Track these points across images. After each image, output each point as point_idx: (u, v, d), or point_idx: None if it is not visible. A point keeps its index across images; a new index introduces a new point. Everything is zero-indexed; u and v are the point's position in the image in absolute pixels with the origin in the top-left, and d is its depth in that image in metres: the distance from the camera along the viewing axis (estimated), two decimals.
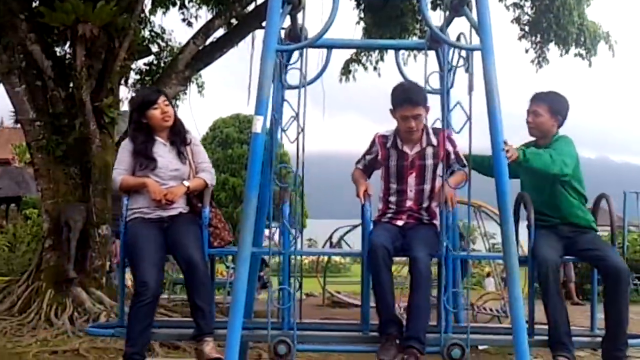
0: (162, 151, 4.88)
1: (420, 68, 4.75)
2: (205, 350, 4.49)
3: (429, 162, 4.76)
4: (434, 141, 4.76)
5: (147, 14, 13.27)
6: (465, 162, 4.72)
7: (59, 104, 10.39)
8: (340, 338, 4.92)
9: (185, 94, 13.03)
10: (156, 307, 4.77)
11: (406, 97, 4.73)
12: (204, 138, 38.05)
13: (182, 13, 13.82)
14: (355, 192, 4.88)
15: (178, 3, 13.64)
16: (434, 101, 4.86)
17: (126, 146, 4.93)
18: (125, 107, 12.31)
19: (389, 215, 4.85)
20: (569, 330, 4.59)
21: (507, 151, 4.42)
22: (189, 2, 13.78)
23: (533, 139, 5.12)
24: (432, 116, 4.80)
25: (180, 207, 4.80)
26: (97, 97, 10.20)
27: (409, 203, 4.81)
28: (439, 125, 4.79)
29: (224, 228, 4.97)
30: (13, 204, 33.27)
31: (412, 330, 4.40)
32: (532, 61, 12.60)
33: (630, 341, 4.82)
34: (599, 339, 4.81)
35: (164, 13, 13.85)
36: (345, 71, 14.17)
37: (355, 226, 12.24)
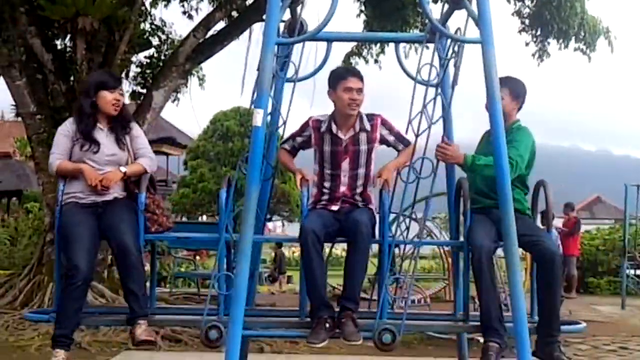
0: (100, 136, 4.90)
1: (422, 61, 4.79)
2: (136, 333, 4.56)
3: (363, 147, 4.85)
4: (368, 126, 4.85)
5: (148, 7, 13.24)
6: (409, 140, 4.85)
7: (59, 98, 10.39)
8: (277, 323, 5.06)
9: (186, 87, 13.02)
10: (87, 291, 4.84)
11: (351, 70, 5.11)
12: (204, 131, 38.05)
13: (183, 6, 13.78)
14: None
15: None
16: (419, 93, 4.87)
17: (64, 130, 4.95)
18: (126, 100, 12.37)
19: (323, 202, 4.90)
20: (501, 316, 4.59)
21: (446, 149, 4.60)
22: None
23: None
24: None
25: (115, 192, 4.84)
26: None
27: (342, 188, 4.88)
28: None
29: (162, 214, 4.99)
30: (14, 198, 33.30)
31: (348, 290, 4.55)
32: (533, 55, 12.57)
33: (567, 327, 4.98)
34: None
35: (164, 6, 13.82)
36: (347, 64, 14.15)
37: None
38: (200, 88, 14.60)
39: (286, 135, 5.29)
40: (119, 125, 4.99)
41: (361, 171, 4.86)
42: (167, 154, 37.69)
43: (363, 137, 4.86)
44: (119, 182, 4.85)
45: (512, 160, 4.56)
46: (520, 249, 4.65)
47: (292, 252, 26.17)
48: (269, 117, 4.78)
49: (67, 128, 4.95)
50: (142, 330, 4.56)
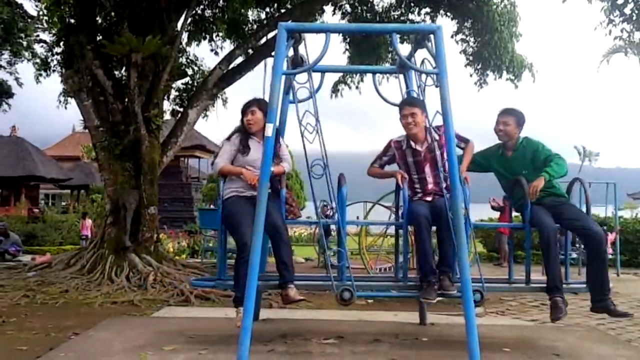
0: (255, 146, 4.87)
1: (393, 88, 4.81)
2: (290, 294, 4.46)
3: (437, 152, 4.76)
4: (436, 136, 4.78)
5: (184, 46, 13.23)
6: (467, 138, 4.94)
7: (117, 114, 10.38)
8: (386, 287, 5.05)
9: (214, 106, 12.99)
10: None
11: (406, 101, 4.99)
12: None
13: (211, 45, 13.79)
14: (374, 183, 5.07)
15: (207, 37, 13.61)
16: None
17: (228, 143, 4.95)
18: (167, 116, 12.34)
19: (419, 195, 4.86)
20: (562, 279, 4.68)
21: (536, 187, 4.69)
22: (216, 37, 13.75)
23: (492, 142, 5.24)
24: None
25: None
26: (146, 109, 10.20)
27: (430, 186, 4.85)
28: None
29: (296, 206, 5.00)
30: (82, 191, 33.29)
31: (443, 259, 4.57)
32: (475, 83, 12.62)
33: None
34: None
35: (197, 45, 13.82)
36: (335, 90, 14.16)
37: (374, 203, 11.94)
38: (224, 107, 14.60)
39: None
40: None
41: (441, 170, 4.75)
42: (199, 157, 37.59)
43: (435, 145, 4.78)
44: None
45: (558, 160, 4.79)
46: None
47: (293, 232, 25.91)
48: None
49: (232, 140, 4.95)
50: (293, 292, 4.48)
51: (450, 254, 4.52)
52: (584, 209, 4.95)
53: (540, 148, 4.98)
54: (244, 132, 4.94)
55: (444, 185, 4.74)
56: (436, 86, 4.18)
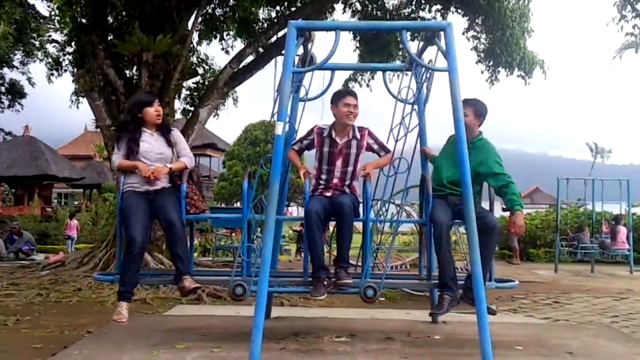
0: (150, 139, 4.90)
1: (403, 84, 4.81)
2: (185, 284, 4.59)
3: (353, 151, 4.90)
4: (358, 136, 4.92)
5: (195, 45, 13.26)
6: (389, 149, 4.89)
7: None
8: (285, 282, 5.05)
9: (224, 105, 13.03)
10: (142, 258, 4.86)
11: (349, 91, 5.11)
12: (238, 139, 38.06)
13: (221, 44, 13.82)
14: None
15: (218, 36, 13.63)
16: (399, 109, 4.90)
17: (121, 138, 4.95)
18: (178, 115, 12.38)
19: (320, 189, 4.91)
20: (455, 276, 4.60)
21: (519, 226, 4.69)
22: (226, 36, 13.77)
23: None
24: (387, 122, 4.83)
25: (163, 183, 4.83)
26: None
27: (335, 180, 4.91)
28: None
29: (199, 199, 4.98)
30: (95, 190, 33.48)
31: (340, 254, 4.62)
32: (486, 80, 12.56)
33: (503, 284, 4.98)
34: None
35: (207, 44, 13.85)
36: (346, 87, 14.13)
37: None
38: (234, 106, 14.63)
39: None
40: (166, 129, 5.01)
41: (350, 169, 4.90)
42: (210, 156, 37.74)
43: (354, 143, 4.90)
44: (166, 176, 4.85)
45: (503, 172, 4.76)
46: None
47: (291, 229, 26.03)
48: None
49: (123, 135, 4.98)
50: (188, 282, 4.60)
51: (346, 250, 4.64)
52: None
53: (495, 160, 4.84)
54: (136, 125, 4.92)
55: (348, 183, 4.88)
56: (427, 88, 4.17)
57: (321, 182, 4.95)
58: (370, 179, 4.75)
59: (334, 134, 4.92)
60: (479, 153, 4.83)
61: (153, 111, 4.92)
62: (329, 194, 4.84)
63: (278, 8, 13.02)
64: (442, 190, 4.90)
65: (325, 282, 4.52)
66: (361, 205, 4.82)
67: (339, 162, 4.91)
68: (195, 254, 16.30)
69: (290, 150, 5.13)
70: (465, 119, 4.90)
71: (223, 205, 30.37)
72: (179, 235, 4.66)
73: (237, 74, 11.37)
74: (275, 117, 4.14)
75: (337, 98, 4.93)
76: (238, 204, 36.02)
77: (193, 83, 13.20)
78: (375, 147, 4.98)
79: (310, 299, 6.33)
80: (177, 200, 4.78)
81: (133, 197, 4.74)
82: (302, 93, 5.51)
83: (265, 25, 12.99)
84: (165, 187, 4.84)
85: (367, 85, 13.96)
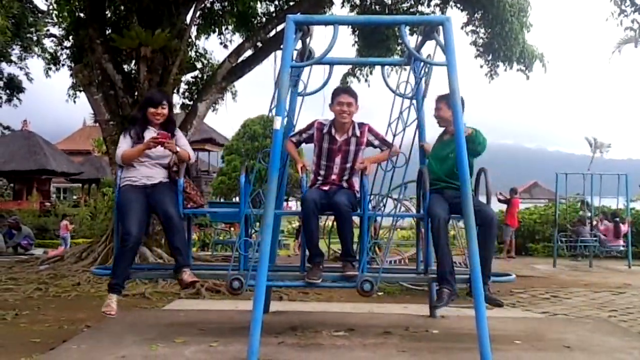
0: (152, 135, 4.87)
1: (401, 79, 4.80)
2: (184, 278, 4.58)
3: (352, 148, 4.90)
4: (357, 132, 4.92)
5: (193, 39, 13.24)
6: (391, 143, 4.92)
7: (127, 108, 10.41)
8: (282, 276, 5.02)
9: (223, 100, 13.00)
10: (137, 252, 4.85)
11: (343, 89, 5.11)
12: (237, 133, 38.02)
13: (220, 38, 13.79)
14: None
15: (217, 31, 13.60)
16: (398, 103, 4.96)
17: (124, 137, 4.95)
18: (177, 110, 12.37)
19: (318, 184, 4.95)
20: (453, 270, 4.60)
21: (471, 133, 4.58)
22: (225, 30, 13.74)
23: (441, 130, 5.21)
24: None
25: (160, 178, 4.84)
26: None
27: (333, 177, 4.93)
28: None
29: (196, 194, 4.97)
30: (93, 185, 33.46)
31: (344, 248, 4.70)
32: (486, 74, 12.54)
33: (500, 278, 4.97)
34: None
35: (206, 38, 13.83)
36: (343, 82, 14.12)
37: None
38: (233, 100, 14.60)
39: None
40: (171, 128, 4.99)
41: (348, 165, 4.90)
42: (208, 151, 37.73)
43: (353, 140, 4.90)
44: (163, 171, 4.85)
45: (482, 139, 4.69)
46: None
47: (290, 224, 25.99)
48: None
49: (127, 132, 4.99)
50: (187, 275, 4.59)
51: (350, 243, 4.67)
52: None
53: (480, 140, 4.80)
54: (141, 124, 4.95)
55: (346, 178, 4.89)
56: (425, 82, 4.17)
57: (319, 177, 4.97)
58: (367, 172, 4.75)
59: (333, 130, 4.93)
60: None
61: (153, 112, 4.92)
62: (326, 188, 4.87)
63: (276, 2, 13.01)
64: (438, 185, 4.90)
65: (321, 267, 4.61)
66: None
67: (337, 159, 4.92)
68: (194, 249, 16.38)
69: (288, 142, 5.13)
70: (439, 112, 4.99)
71: (222, 199, 30.36)
72: (177, 228, 4.66)
73: (236, 68, 11.35)
74: (274, 111, 4.14)
75: (333, 97, 4.95)
76: (237, 198, 35.98)
77: (191, 77, 13.19)
78: (376, 142, 4.99)
79: (315, 294, 6.33)
80: (174, 195, 4.78)
81: (131, 191, 4.73)
82: (300, 87, 5.51)
83: (264, 19, 12.97)
84: (162, 182, 4.84)
85: (366, 80, 13.96)
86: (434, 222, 4.61)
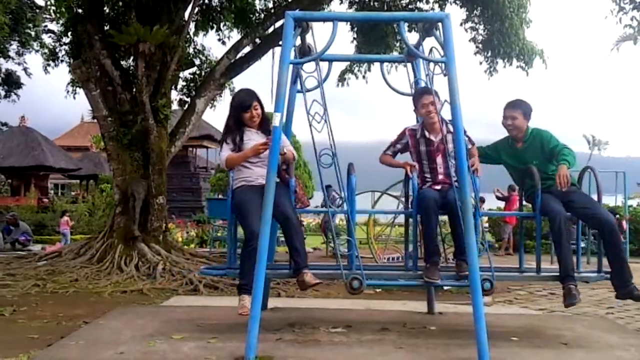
0: (254, 136, 4.84)
1: (401, 77, 4.80)
2: (306, 279, 4.42)
3: (450, 145, 4.70)
4: (451, 128, 4.65)
5: (192, 35, 13.20)
6: (471, 139, 4.91)
7: (125, 104, 10.40)
8: (395, 276, 5.00)
9: (221, 96, 12.97)
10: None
11: (421, 91, 5.01)
12: None
13: (218, 34, 13.74)
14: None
15: (215, 27, 13.57)
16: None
17: (226, 145, 4.87)
18: (175, 106, 12.35)
19: (428, 184, 4.88)
20: (574, 267, 4.61)
21: (564, 177, 4.58)
22: (223, 26, 13.70)
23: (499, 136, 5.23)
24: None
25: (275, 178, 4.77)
26: (154, 99, 10.22)
27: (440, 177, 4.88)
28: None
29: (304, 195, 4.96)
30: (91, 181, 33.44)
31: (459, 249, 4.55)
32: (485, 71, 12.54)
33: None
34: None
35: (204, 34, 13.78)
36: (342, 79, 14.11)
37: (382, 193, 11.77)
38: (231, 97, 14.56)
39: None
40: (267, 130, 4.79)
41: (452, 162, 4.67)
42: (207, 147, 37.63)
43: (449, 137, 4.75)
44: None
45: (568, 151, 4.74)
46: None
47: (308, 221, 25.49)
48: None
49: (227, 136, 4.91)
50: (309, 276, 4.43)
51: (462, 244, 4.50)
52: (595, 197, 4.91)
53: (549, 138, 4.96)
54: (238, 125, 4.87)
55: (453, 176, 4.69)
56: (444, 75, 4.15)
57: (427, 179, 4.91)
58: (477, 173, 4.70)
59: (427, 133, 4.90)
60: (535, 140, 4.95)
61: (249, 117, 4.84)
62: (438, 187, 4.81)
63: None
64: (545, 183, 4.81)
65: (439, 266, 4.58)
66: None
67: (439, 159, 4.87)
68: (192, 245, 16.37)
69: (385, 155, 5.07)
70: (515, 122, 4.99)
71: (220, 196, 30.36)
72: (296, 229, 4.56)
73: (234, 65, 11.34)
74: (273, 108, 4.13)
75: (414, 102, 4.95)
76: None
77: (190, 74, 13.14)
78: (465, 139, 4.86)
79: (312, 291, 6.14)
80: (289, 194, 4.69)
81: (247, 190, 4.66)
82: (298, 84, 5.50)
83: (263, 15, 12.94)
84: (276, 182, 4.76)
85: (363, 77, 13.94)
86: (555, 221, 4.57)
